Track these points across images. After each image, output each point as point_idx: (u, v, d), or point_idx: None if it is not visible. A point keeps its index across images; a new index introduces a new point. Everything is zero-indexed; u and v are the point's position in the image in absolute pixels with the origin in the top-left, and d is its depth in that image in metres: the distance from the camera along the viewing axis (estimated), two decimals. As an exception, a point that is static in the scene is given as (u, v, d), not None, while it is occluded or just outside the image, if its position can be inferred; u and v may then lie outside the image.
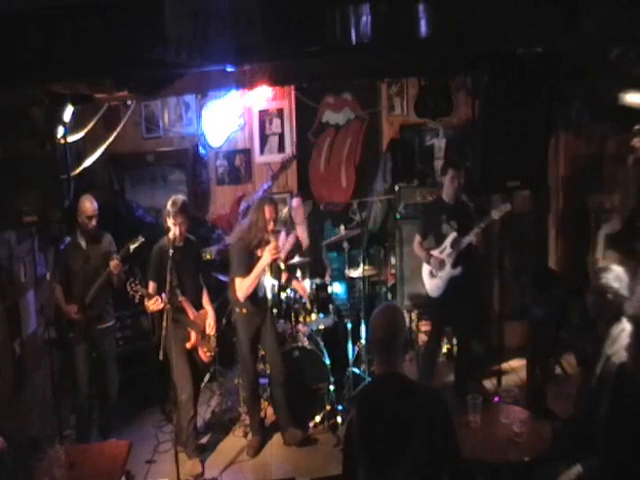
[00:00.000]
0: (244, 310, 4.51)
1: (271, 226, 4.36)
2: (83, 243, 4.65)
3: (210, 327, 4.53)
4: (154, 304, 4.16)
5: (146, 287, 4.23)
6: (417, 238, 5.12)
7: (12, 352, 4.33)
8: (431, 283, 5.02)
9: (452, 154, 6.24)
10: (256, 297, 4.51)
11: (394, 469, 2.20)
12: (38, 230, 4.74)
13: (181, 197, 4.39)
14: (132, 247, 4.57)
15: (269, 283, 4.77)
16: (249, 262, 4.37)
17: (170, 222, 4.31)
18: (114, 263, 4.48)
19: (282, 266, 4.52)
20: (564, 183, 6.04)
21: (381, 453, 2.28)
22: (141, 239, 4.57)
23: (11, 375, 4.31)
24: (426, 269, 5.04)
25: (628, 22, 2.91)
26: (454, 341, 5.68)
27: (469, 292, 5.01)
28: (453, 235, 4.88)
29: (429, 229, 5.08)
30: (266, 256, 4.31)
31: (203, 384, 5.24)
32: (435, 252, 4.97)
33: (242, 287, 4.37)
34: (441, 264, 4.91)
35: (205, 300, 4.63)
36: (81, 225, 4.60)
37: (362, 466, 2.33)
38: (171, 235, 4.31)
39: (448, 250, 4.90)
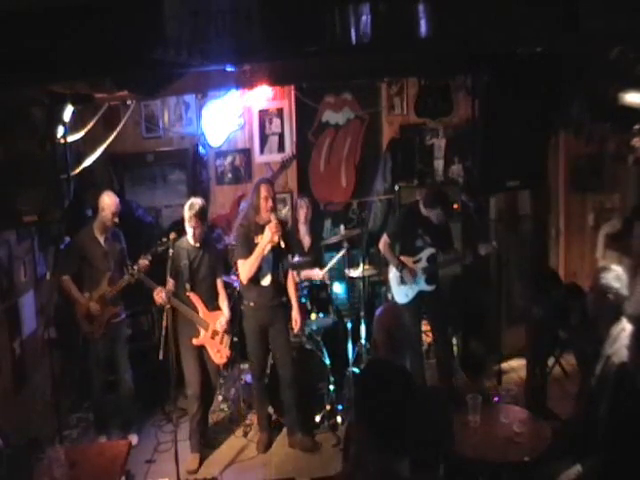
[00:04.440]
0: (251, 303, 4.51)
1: (269, 204, 4.33)
2: (101, 239, 4.65)
3: (220, 324, 4.51)
4: (158, 294, 4.24)
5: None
6: (385, 238, 4.97)
7: (12, 352, 4.34)
8: (399, 289, 4.93)
9: (452, 154, 6.25)
10: (261, 288, 4.47)
11: (391, 448, 2.17)
12: (38, 230, 4.75)
13: (199, 201, 4.41)
14: (160, 249, 4.53)
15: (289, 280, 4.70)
16: (251, 244, 4.38)
17: (187, 224, 4.37)
18: (143, 263, 4.47)
19: (282, 244, 4.37)
20: (564, 183, 6.04)
21: (379, 432, 2.24)
22: (166, 242, 4.51)
23: (11, 375, 4.31)
24: (395, 274, 4.95)
25: (628, 22, 2.91)
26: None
27: (439, 299, 4.99)
28: (431, 251, 4.83)
29: (400, 236, 4.96)
30: (267, 234, 4.30)
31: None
32: (407, 260, 4.88)
33: (244, 268, 4.40)
34: (414, 276, 4.84)
35: (222, 300, 4.62)
36: (104, 221, 4.60)
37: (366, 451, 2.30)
38: (188, 236, 4.41)
39: (424, 264, 4.84)
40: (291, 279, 4.71)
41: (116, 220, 4.63)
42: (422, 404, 2.31)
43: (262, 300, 4.50)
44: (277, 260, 4.49)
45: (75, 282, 4.59)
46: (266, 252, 4.37)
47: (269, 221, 4.33)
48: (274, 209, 4.39)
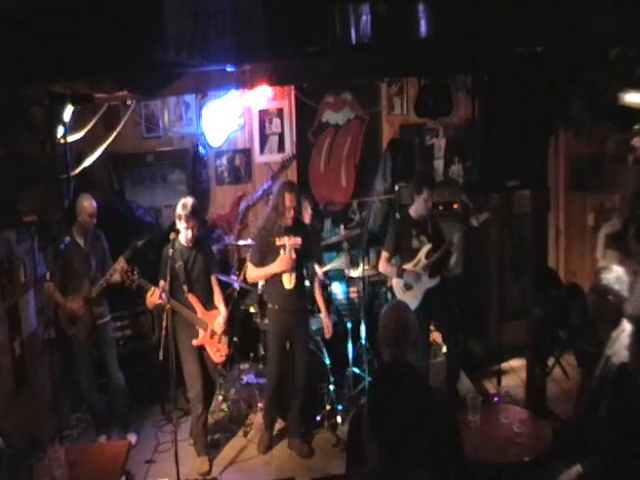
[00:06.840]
0: (276, 306, 4.53)
1: (291, 214, 4.32)
2: (81, 242, 4.64)
3: (219, 325, 4.49)
4: (152, 296, 4.18)
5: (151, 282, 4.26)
6: (384, 254, 4.96)
7: (12, 352, 4.34)
8: (406, 296, 4.87)
9: (452, 154, 6.25)
10: (285, 291, 4.46)
11: (408, 454, 2.16)
12: (38, 230, 4.74)
13: (191, 199, 4.34)
14: (139, 243, 4.59)
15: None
16: (266, 251, 4.45)
17: (181, 225, 4.30)
18: (122, 263, 4.45)
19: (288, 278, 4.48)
20: (564, 183, 6.04)
21: (396, 437, 2.23)
22: (147, 237, 4.57)
23: (11, 375, 4.31)
24: (398, 283, 4.92)
25: (628, 22, 2.91)
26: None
27: (446, 295, 4.98)
28: (428, 247, 4.82)
29: (397, 244, 4.95)
30: (276, 265, 4.38)
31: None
32: (408, 266, 4.88)
33: (250, 274, 4.60)
34: (417, 276, 4.84)
35: (218, 299, 4.59)
36: (82, 223, 4.59)
37: (374, 450, 2.29)
38: (182, 237, 4.34)
39: (423, 262, 4.83)
40: (318, 285, 4.77)
41: (94, 221, 4.61)
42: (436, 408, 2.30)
43: (285, 304, 4.49)
44: (301, 264, 4.50)
45: (60, 286, 4.57)
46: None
47: (290, 224, 4.36)
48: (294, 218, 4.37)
